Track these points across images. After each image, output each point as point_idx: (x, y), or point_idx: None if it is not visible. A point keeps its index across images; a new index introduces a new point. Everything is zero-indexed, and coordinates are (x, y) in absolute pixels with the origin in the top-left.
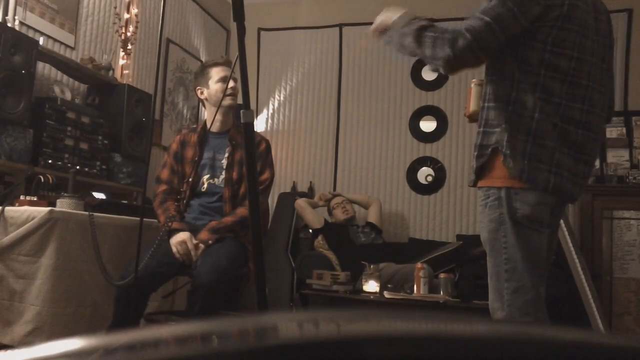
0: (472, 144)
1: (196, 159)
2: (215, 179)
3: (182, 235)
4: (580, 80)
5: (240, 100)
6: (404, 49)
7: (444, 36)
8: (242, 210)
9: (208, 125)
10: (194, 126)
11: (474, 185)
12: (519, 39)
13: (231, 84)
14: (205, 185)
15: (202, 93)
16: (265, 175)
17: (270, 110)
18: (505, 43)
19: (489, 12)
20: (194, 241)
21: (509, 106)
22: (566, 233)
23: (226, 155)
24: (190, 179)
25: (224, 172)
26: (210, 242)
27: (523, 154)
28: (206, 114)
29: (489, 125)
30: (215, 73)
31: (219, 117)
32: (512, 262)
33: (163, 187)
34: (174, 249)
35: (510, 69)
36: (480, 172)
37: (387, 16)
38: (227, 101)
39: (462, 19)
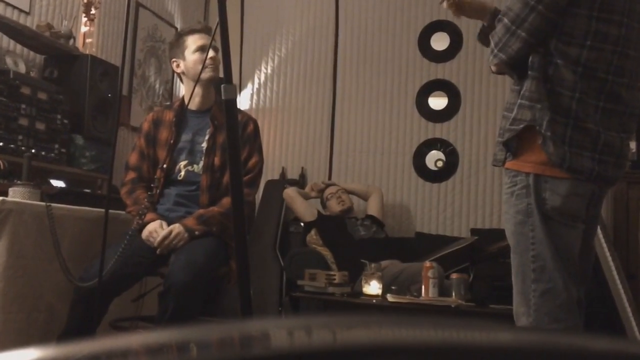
0: (488, 123)
1: (171, 141)
2: (195, 165)
3: (151, 226)
4: (629, 50)
5: (222, 74)
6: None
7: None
8: (229, 201)
9: (186, 102)
10: (168, 103)
11: (501, 164)
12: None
13: (211, 53)
14: (183, 173)
15: (178, 66)
16: (253, 161)
17: (256, 85)
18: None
19: None
20: (177, 230)
21: (547, 83)
22: (598, 227)
23: (207, 137)
24: (165, 165)
25: (204, 158)
26: (197, 232)
27: (563, 140)
28: (184, 89)
29: (525, 98)
30: (192, 42)
31: (198, 91)
32: (541, 260)
33: (131, 174)
34: (148, 242)
35: (548, 42)
36: (508, 150)
37: None
38: (207, 73)
39: None
